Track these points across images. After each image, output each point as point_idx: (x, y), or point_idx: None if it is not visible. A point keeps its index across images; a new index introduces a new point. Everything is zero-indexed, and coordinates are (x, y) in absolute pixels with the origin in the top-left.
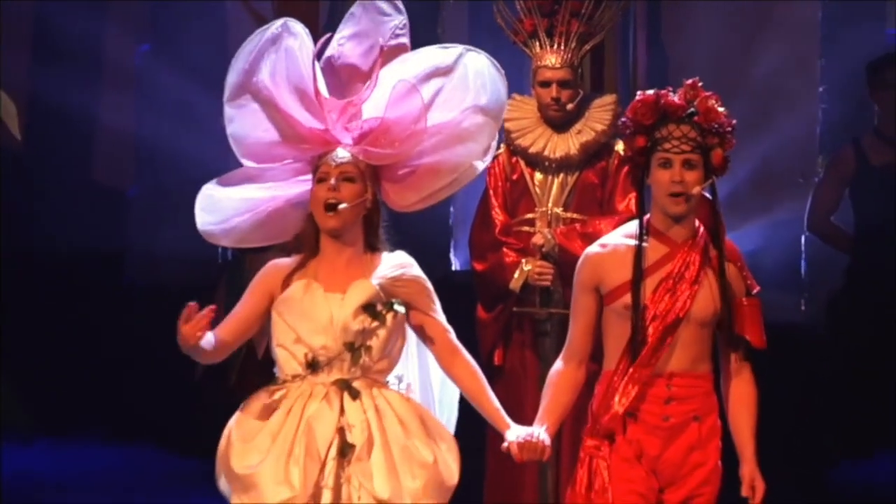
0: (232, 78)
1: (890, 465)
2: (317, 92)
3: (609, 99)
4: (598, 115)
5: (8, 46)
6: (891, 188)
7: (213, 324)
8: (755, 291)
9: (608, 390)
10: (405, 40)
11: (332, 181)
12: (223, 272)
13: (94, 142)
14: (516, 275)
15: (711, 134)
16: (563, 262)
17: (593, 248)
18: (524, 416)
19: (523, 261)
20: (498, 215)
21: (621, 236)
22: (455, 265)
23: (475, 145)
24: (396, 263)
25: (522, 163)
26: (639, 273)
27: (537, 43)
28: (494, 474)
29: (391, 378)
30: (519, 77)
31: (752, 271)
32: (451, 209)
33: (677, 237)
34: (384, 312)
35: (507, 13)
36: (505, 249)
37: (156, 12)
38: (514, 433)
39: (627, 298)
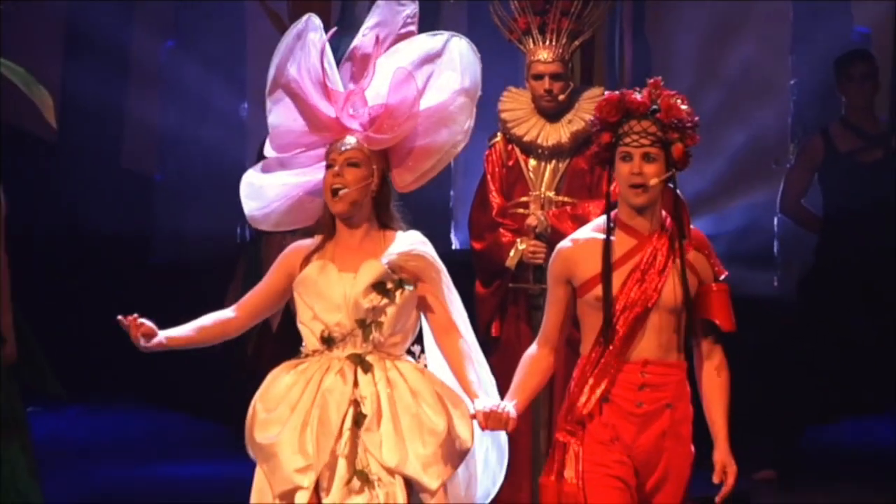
0: (270, 73)
1: (855, 429)
2: (324, 83)
3: (597, 91)
4: (588, 107)
5: (43, 44)
6: (856, 173)
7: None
8: (723, 277)
9: (583, 376)
10: (413, 28)
11: (338, 167)
12: (242, 250)
13: (123, 131)
14: (512, 253)
15: (672, 129)
16: (555, 242)
17: (564, 244)
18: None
19: (518, 240)
20: (495, 198)
21: (590, 230)
22: (455, 244)
23: (457, 126)
24: (407, 241)
25: (518, 150)
26: (608, 266)
27: (531, 39)
28: None
29: (406, 355)
30: (514, 71)
31: (730, 250)
32: (452, 193)
33: (644, 229)
34: (393, 290)
35: (502, 12)
36: (501, 230)
37: (179, 12)
38: (482, 403)
39: (598, 290)
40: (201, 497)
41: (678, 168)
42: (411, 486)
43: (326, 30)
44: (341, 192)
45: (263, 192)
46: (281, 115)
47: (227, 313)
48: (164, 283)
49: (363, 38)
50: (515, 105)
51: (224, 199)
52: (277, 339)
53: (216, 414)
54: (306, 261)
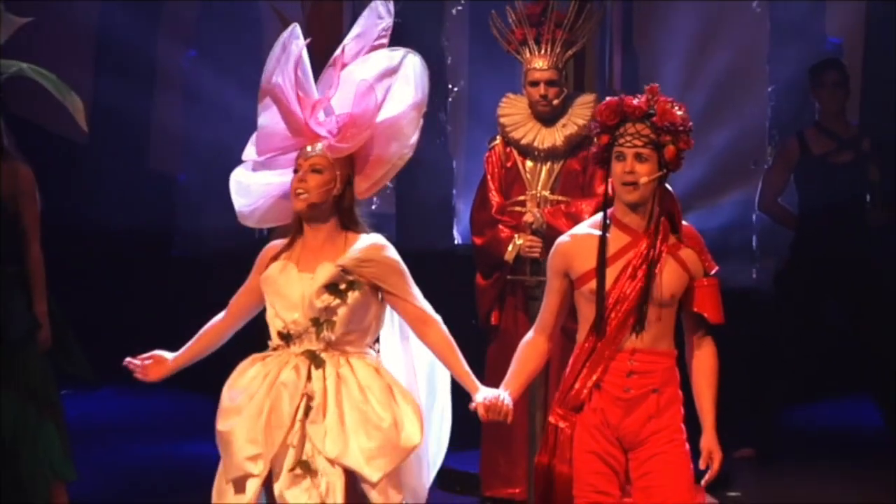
0: (261, 81)
1: (827, 410)
2: (297, 90)
3: (589, 98)
4: (580, 112)
5: (75, 54)
6: (829, 174)
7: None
8: (713, 272)
9: (577, 365)
10: (385, 41)
11: (301, 172)
12: (258, 246)
13: (148, 135)
14: (510, 248)
15: (665, 132)
16: (550, 237)
17: (563, 238)
18: None
19: (516, 236)
20: (494, 197)
21: (588, 227)
22: (457, 239)
23: (405, 139)
24: (364, 245)
25: (515, 152)
26: (602, 261)
27: (527, 49)
28: (489, 439)
29: (370, 351)
30: (512, 78)
31: (711, 245)
32: (454, 192)
33: (637, 226)
34: (345, 291)
35: (500, 25)
36: (500, 226)
37: (200, 24)
38: (482, 395)
39: (593, 284)
40: None
41: (670, 169)
42: (351, 478)
43: (334, 32)
44: (303, 197)
45: (250, 189)
46: (268, 118)
47: (219, 318)
48: (184, 275)
49: (344, 47)
50: (513, 110)
51: None
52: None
53: None
54: (273, 259)
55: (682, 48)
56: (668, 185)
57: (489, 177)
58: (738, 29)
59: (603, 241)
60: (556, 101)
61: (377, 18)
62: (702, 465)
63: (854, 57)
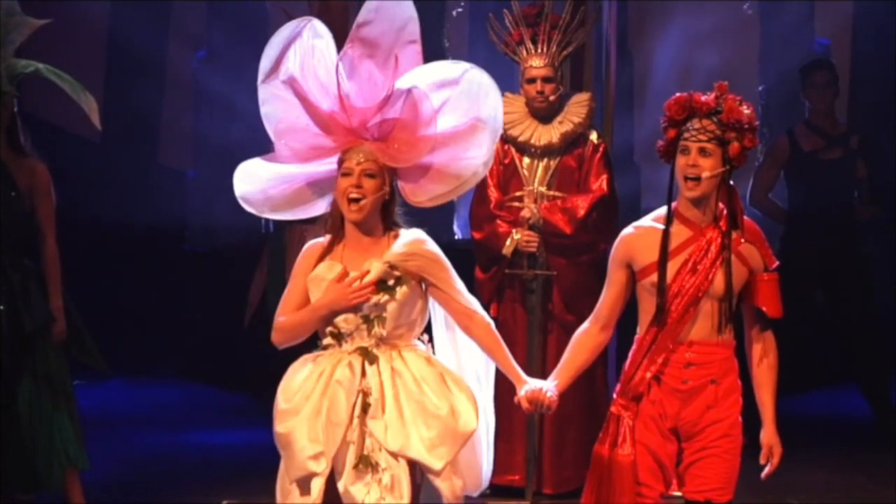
0: (264, 63)
1: (817, 399)
2: (340, 97)
3: (585, 96)
4: (576, 110)
5: (89, 55)
6: (818, 170)
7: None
8: (773, 267)
9: (637, 356)
10: (418, 47)
11: (355, 178)
12: (266, 241)
13: (160, 133)
14: (508, 242)
15: (730, 129)
16: (547, 232)
17: (628, 230)
18: (515, 356)
19: (514, 231)
20: (493, 193)
21: (651, 220)
22: (457, 234)
23: (476, 155)
24: (408, 241)
25: (513, 149)
26: (664, 255)
27: (524, 49)
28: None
29: (416, 342)
30: (511, 79)
31: None
32: None
33: (699, 221)
34: (394, 287)
35: (498, 27)
36: (498, 221)
37: (209, 26)
38: (526, 388)
39: (654, 277)
40: (229, 461)
41: (734, 165)
42: (419, 469)
43: (341, 32)
44: (361, 203)
45: (257, 176)
46: (279, 107)
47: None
48: (195, 268)
49: (359, 44)
50: (511, 109)
51: None
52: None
53: (243, 386)
54: (320, 260)
55: (675, 49)
56: (731, 182)
57: (487, 173)
58: (729, 30)
59: (666, 234)
60: (552, 98)
61: (396, 22)
62: (762, 460)
63: (842, 57)
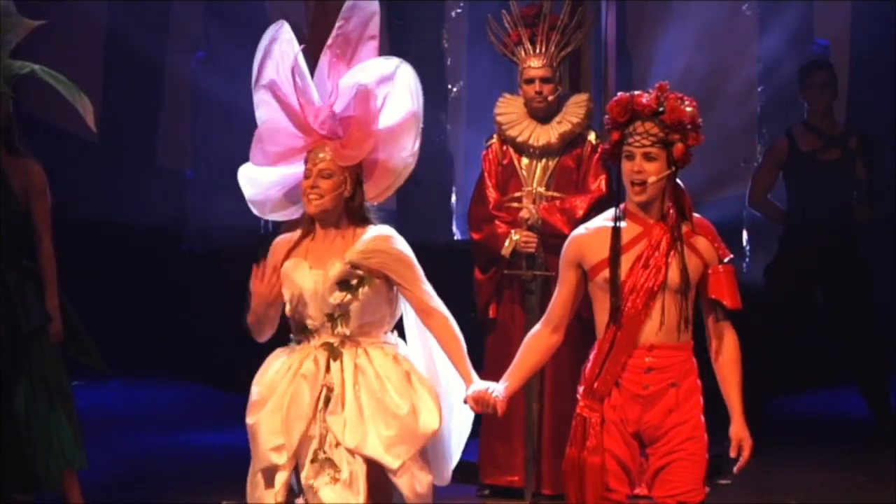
0: (254, 69)
1: (817, 400)
2: (297, 96)
3: (583, 97)
4: (574, 111)
5: (87, 56)
6: (816, 171)
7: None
8: (727, 259)
9: (598, 360)
10: (376, 42)
11: (312, 179)
12: (264, 241)
13: (158, 133)
14: (506, 243)
15: (674, 130)
16: (546, 233)
17: (578, 230)
18: (513, 356)
19: (512, 231)
20: (491, 194)
21: (602, 219)
22: (456, 235)
23: (407, 148)
24: (370, 237)
25: (511, 150)
26: (616, 250)
27: (522, 50)
28: (487, 428)
29: (389, 336)
30: (510, 79)
31: None
32: (453, 189)
33: (649, 217)
34: (356, 286)
35: (496, 28)
36: (497, 222)
37: (208, 27)
38: (473, 388)
39: (606, 273)
40: (228, 461)
41: (678, 166)
42: (381, 466)
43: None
44: (317, 202)
45: (259, 179)
46: (266, 111)
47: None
48: (193, 268)
49: (332, 44)
50: (509, 109)
51: None
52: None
53: (242, 387)
54: (288, 255)
55: (674, 49)
56: (678, 181)
57: (486, 174)
58: (728, 30)
59: (616, 230)
60: (550, 98)
61: (362, 15)
62: (732, 454)
63: (840, 58)
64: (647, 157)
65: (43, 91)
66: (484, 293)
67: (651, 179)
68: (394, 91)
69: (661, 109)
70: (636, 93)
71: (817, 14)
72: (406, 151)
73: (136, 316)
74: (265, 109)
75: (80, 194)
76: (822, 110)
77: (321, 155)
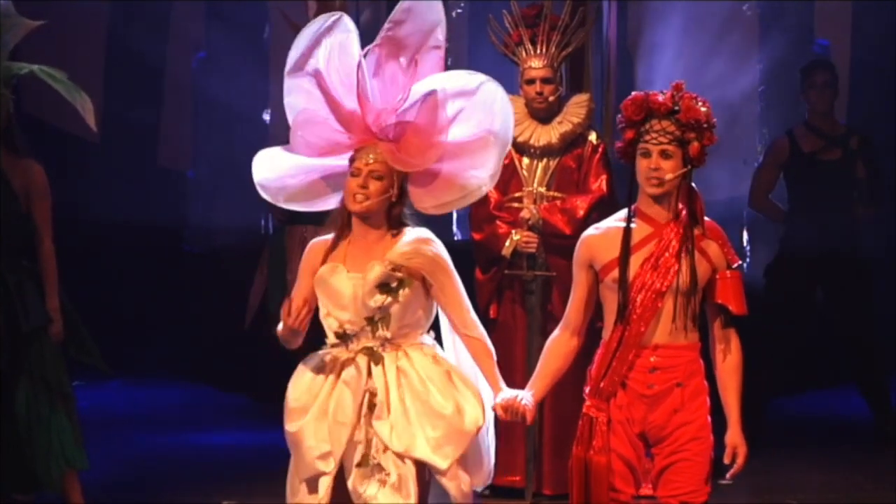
0: (293, 54)
1: (818, 399)
2: (360, 95)
3: (584, 97)
4: (575, 111)
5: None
6: (817, 171)
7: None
8: (735, 265)
9: (604, 360)
10: (441, 52)
11: (362, 178)
12: (266, 241)
13: (159, 134)
14: (507, 243)
15: (690, 129)
16: (546, 233)
17: (589, 231)
18: (514, 357)
19: (513, 231)
20: (492, 194)
21: (613, 220)
22: (457, 235)
23: (484, 167)
24: (411, 239)
25: (512, 150)
26: (626, 250)
27: (523, 50)
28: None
29: (426, 338)
30: (511, 79)
31: None
32: None
33: (660, 218)
34: (397, 289)
35: (497, 28)
36: (498, 222)
37: (209, 27)
38: (501, 396)
39: (616, 273)
40: (229, 461)
41: (694, 165)
42: (420, 467)
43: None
44: (364, 203)
45: (276, 164)
46: (302, 99)
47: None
48: (195, 268)
49: (386, 43)
50: None
51: (250, 195)
52: (275, 316)
53: (242, 387)
54: (325, 258)
55: (675, 49)
56: (692, 184)
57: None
58: (729, 30)
59: (627, 230)
60: (551, 98)
61: (421, 20)
62: (726, 460)
63: (842, 58)
64: (664, 155)
65: (43, 91)
66: (485, 293)
67: (668, 177)
68: (471, 106)
69: (676, 108)
70: (651, 91)
71: (818, 14)
72: (480, 170)
73: (136, 316)
74: (301, 97)
75: (80, 194)
76: (822, 110)
77: (372, 155)
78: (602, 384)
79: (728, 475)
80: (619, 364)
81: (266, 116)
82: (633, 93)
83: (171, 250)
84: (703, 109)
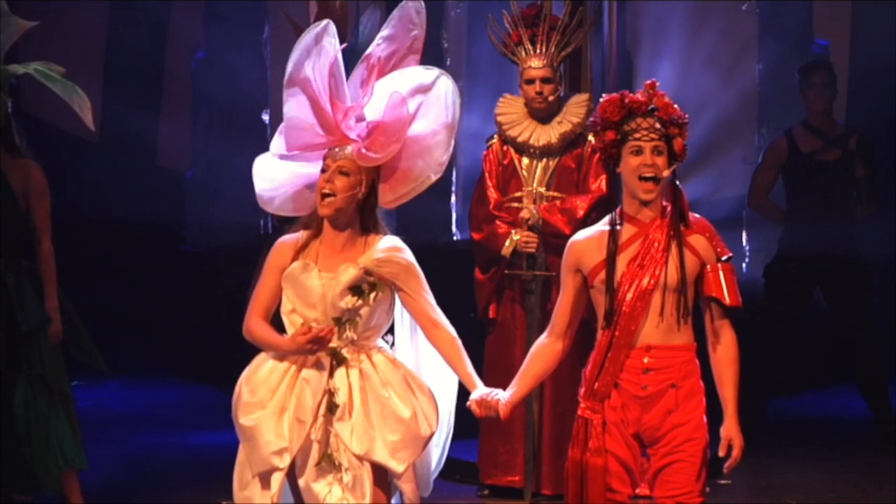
0: (288, 67)
1: (817, 399)
2: (330, 93)
3: (583, 97)
4: (575, 111)
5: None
6: (816, 171)
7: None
8: (725, 257)
9: (597, 362)
10: (417, 56)
11: (329, 174)
12: (265, 240)
13: (158, 133)
14: (507, 243)
15: (672, 125)
16: (546, 233)
17: (576, 237)
18: (513, 357)
19: (513, 231)
20: (492, 194)
21: (600, 225)
22: (457, 235)
23: (434, 159)
24: (385, 247)
25: (512, 150)
26: (613, 252)
27: (523, 50)
28: (488, 429)
29: (380, 342)
30: (511, 79)
31: None
32: (453, 189)
33: (645, 218)
34: (368, 292)
35: (497, 28)
36: (498, 222)
37: (208, 27)
38: (476, 393)
39: (604, 275)
40: (228, 461)
41: (679, 160)
42: (381, 469)
43: (343, 34)
44: (328, 199)
45: (274, 174)
46: (294, 108)
47: (262, 324)
48: (194, 268)
49: (377, 48)
50: (510, 109)
51: (248, 195)
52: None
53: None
54: (295, 256)
55: (674, 49)
56: (676, 182)
57: (487, 174)
58: (728, 30)
59: (613, 233)
60: (551, 98)
61: (409, 24)
62: (721, 453)
63: (840, 58)
64: (656, 151)
65: (43, 91)
66: (484, 293)
67: (665, 172)
68: (429, 101)
69: (653, 106)
70: (624, 91)
71: (817, 14)
72: (432, 163)
73: (135, 316)
74: (294, 105)
75: (80, 194)
76: (821, 110)
77: (341, 151)
78: (596, 386)
79: (725, 467)
80: (611, 365)
81: (265, 116)
82: (605, 95)
83: (170, 250)
84: (676, 106)
